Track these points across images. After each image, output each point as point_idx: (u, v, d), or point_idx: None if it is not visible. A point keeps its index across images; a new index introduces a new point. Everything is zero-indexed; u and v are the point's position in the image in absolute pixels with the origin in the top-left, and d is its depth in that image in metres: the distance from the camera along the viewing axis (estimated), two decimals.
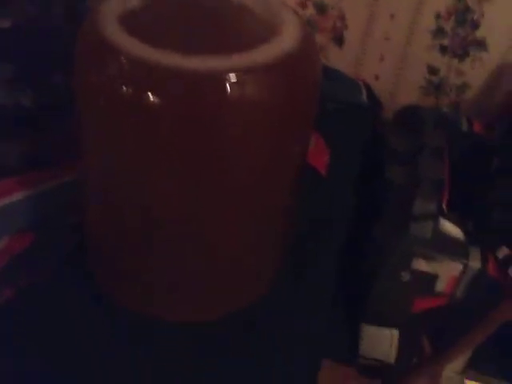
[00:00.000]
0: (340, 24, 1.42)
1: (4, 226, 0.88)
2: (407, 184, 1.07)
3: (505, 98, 1.40)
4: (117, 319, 0.81)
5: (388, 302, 1.01)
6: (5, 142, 0.93)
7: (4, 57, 0.96)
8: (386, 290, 1.00)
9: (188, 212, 0.73)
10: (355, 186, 1.13)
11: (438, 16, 1.36)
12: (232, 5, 0.75)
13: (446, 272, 1.00)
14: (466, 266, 0.99)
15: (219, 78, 0.64)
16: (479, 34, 1.36)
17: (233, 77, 0.64)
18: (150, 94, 0.63)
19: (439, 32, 1.38)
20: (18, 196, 0.90)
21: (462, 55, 1.40)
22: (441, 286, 1.01)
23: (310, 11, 1.41)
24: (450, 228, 1.03)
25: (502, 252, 1.05)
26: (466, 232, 1.04)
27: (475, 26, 1.36)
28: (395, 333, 1.02)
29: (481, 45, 1.37)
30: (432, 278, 1.00)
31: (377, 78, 1.46)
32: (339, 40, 1.44)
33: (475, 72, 1.41)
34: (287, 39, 0.71)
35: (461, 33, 1.37)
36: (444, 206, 1.06)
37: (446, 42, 1.39)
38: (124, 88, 0.64)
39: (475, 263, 1.00)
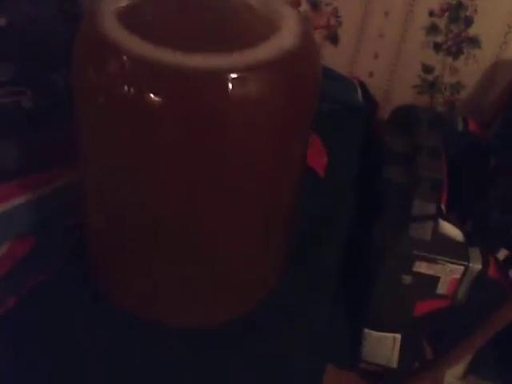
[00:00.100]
0: (334, 21, 1.41)
1: (5, 231, 0.87)
2: (406, 184, 1.06)
3: (499, 96, 1.39)
4: (117, 323, 0.81)
5: (389, 305, 1.00)
6: (4, 143, 0.92)
7: (3, 57, 0.95)
8: (387, 293, 0.99)
9: (188, 211, 0.72)
10: (353, 186, 1.12)
11: (431, 13, 1.36)
12: (232, 2, 0.74)
13: (448, 274, 0.99)
14: (467, 268, 0.99)
15: (221, 76, 0.63)
16: (472, 31, 1.36)
17: (235, 75, 0.62)
18: (150, 92, 0.62)
19: (433, 29, 1.37)
20: (17, 201, 0.90)
21: (456, 53, 1.39)
22: (442, 288, 1.00)
23: (304, 8, 1.40)
24: (450, 229, 1.02)
25: (502, 253, 1.05)
26: (465, 233, 1.03)
27: (468, 22, 1.35)
28: (397, 337, 1.01)
29: (474, 42, 1.37)
30: (433, 281, 0.99)
31: (371, 75, 1.45)
32: (333, 38, 1.43)
33: (469, 70, 1.41)
34: (288, 36, 0.70)
35: (454, 30, 1.36)
36: (443, 207, 1.05)
37: (439, 39, 1.38)
38: (124, 86, 0.62)
39: (476, 264, 0.99)
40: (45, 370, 0.75)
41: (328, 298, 0.93)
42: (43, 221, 0.90)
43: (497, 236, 1.07)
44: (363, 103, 1.35)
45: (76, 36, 0.70)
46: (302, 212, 0.87)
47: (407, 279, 0.98)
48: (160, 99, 0.62)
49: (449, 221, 1.02)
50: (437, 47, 1.39)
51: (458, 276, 0.99)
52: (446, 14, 1.35)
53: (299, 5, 1.39)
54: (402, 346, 1.02)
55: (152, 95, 0.62)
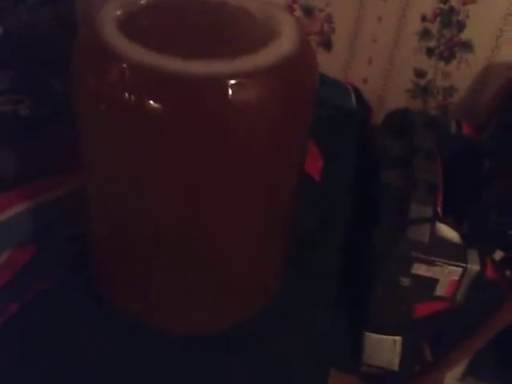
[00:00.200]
0: (327, 28, 1.42)
1: (5, 239, 0.87)
2: (402, 187, 1.07)
3: (492, 99, 1.40)
4: (119, 329, 0.81)
5: (389, 308, 1.00)
6: (3, 151, 0.92)
7: (0, 65, 0.95)
8: (387, 295, 0.99)
9: (190, 218, 0.72)
10: (350, 191, 1.12)
11: (423, 18, 1.37)
12: (230, 8, 0.74)
13: (446, 276, 0.99)
14: (465, 269, 0.99)
15: (222, 82, 0.63)
16: (465, 35, 1.37)
17: (236, 81, 0.63)
18: (152, 99, 0.62)
19: (425, 34, 1.38)
20: (17, 209, 0.89)
21: (449, 57, 1.40)
22: (441, 290, 1.00)
23: (298, 14, 1.40)
24: (447, 231, 1.03)
25: (498, 255, 1.05)
26: (462, 235, 1.04)
27: (461, 27, 1.36)
28: (398, 339, 1.01)
29: (466, 46, 1.38)
30: (432, 283, 1.00)
31: (365, 81, 1.46)
32: (327, 44, 1.44)
33: (462, 74, 1.42)
34: (286, 42, 0.70)
35: (447, 34, 1.37)
36: (439, 210, 1.06)
37: (432, 43, 1.39)
38: (125, 94, 0.62)
39: (474, 266, 0.99)
40: (49, 376, 0.75)
41: (329, 302, 0.94)
42: (44, 229, 0.90)
43: (493, 238, 1.08)
44: (357, 108, 1.35)
45: (75, 44, 0.70)
46: (300, 217, 0.88)
47: (406, 281, 0.98)
48: (161, 106, 0.62)
49: (446, 223, 1.02)
50: (429, 52, 1.40)
51: (456, 278, 0.99)
52: (439, 18, 1.36)
53: (293, 11, 1.40)
54: (402, 348, 1.02)
55: (153, 102, 0.62)
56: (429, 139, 1.19)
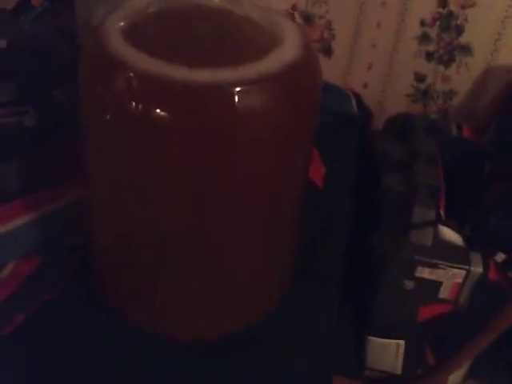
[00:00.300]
0: (327, 34, 1.42)
1: (11, 250, 0.87)
2: (404, 191, 1.07)
3: (492, 102, 1.41)
4: (123, 336, 0.81)
5: (393, 311, 1.00)
6: (8, 162, 0.92)
7: (4, 77, 0.95)
8: (390, 299, 1.00)
9: (195, 226, 0.72)
10: (352, 196, 1.13)
11: (422, 23, 1.37)
12: (234, 16, 0.74)
13: (450, 278, 1.00)
14: (468, 272, 0.99)
15: (226, 90, 0.63)
16: (464, 39, 1.38)
17: (242, 88, 0.63)
18: (158, 108, 0.62)
19: (424, 38, 1.39)
20: (23, 220, 0.89)
21: (448, 61, 1.41)
22: (444, 292, 1.01)
23: (298, 22, 1.41)
24: (450, 234, 1.03)
25: (499, 257, 1.06)
26: (464, 237, 1.04)
27: (459, 31, 1.37)
28: (401, 343, 1.01)
29: (466, 50, 1.39)
30: (436, 285, 1.00)
31: (365, 86, 1.47)
32: (327, 51, 1.44)
33: (461, 77, 1.42)
34: (290, 49, 0.71)
35: (446, 38, 1.38)
36: (442, 213, 1.06)
37: (431, 48, 1.40)
38: (133, 103, 0.63)
39: (477, 268, 1.00)
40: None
41: (332, 307, 0.93)
42: (48, 239, 0.90)
43: (494, 241, 1.08)
44: (358, 114, 1.36)
45: (81, 55, 0.71)
46: (303, 223, 0.88)
47: (409, 284, 0.98)
48: (167, 114, 0.63)
49: (448, 226, 1.03)
50: (429, 56, 1.41)
51: (459, 280, 1.00)
52: (438, 23, 1.37)
53: (293, 19, 1.40)
54: (405, 352, 1.02)
55: (159, 110, 0.62)
56: (430, 143, 1.20)
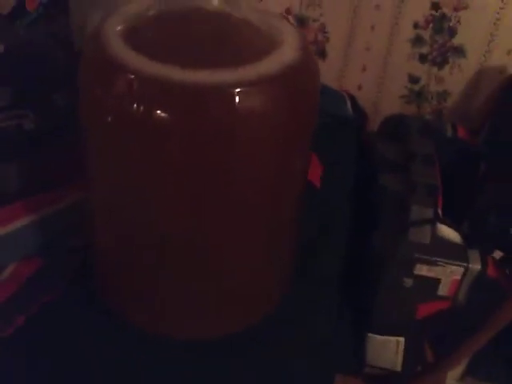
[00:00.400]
0: (321, 37, 1.43)
1: (11, 252, 0.87)
2: (402, 191, 1.08)
3: (485, 103, 1.42)
4: (124, 337, 0.81)
5: (392, 309, 1.01)
6: (7, 165, 0.92)
7: (3, 82, 0.95)
8: (390, 297, 1.00)
9: (195, 227, 0.72)
10: (349, 197, 1.13)
11: (416, 25, 1.39)
12: (233, 19, 0.74)
13: (448, 275, 1.00)
14: (466, 269, 1.00)
15: (226, 91, 0.64)
16: (457, 41, 1.39)
17: (241, 89, 0.63)
18: (159, 109, 0.62)
19: (418, 41, 1.40)
20: (23, 222, 0.89)
21: (441, 63, 1.42)
22: (443, 289, 1.02)
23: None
24: (448, 232, 1.04)
25: (497, 255, 1.07)
26: (462, 235, 1.05)
27: (452, 33, 1.38)
28: (401, 340, 1.02)
29: (459, 51, 1.40)
30: (434, 283, 1.01)
31: (360, 88, 1.48)
32: (322, 53, 1.45)
33: (455, 78, 1.43)
34: (288, 51, 0.71)
35: (439, 40, 1.39)
36: (439, 211, 1.07)
37: (425, 50, 1.41)
38: (133, 105, 0.63)
39: (475, 265, 1.01)
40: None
41: (332, 307, 0.94)
42: (48, 241, 0.90)
43: (492, 240, 1.09)
44: (353, 115, 1.37)
45: (81, 59, 0.71)
46: (302, 224, 0.88)
47: (409, 282, 0.99)
48: (167, 115, 0.63)
49: (446, 224, 1.04)
50: (422, 58, 1.42)
51: (458, 277, 1.01)
52: (431, 25, 1.38)
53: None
54: (405, 349, 1.03)
55: (161, 112, 0.63)
56: (426, 144, 1.21)
